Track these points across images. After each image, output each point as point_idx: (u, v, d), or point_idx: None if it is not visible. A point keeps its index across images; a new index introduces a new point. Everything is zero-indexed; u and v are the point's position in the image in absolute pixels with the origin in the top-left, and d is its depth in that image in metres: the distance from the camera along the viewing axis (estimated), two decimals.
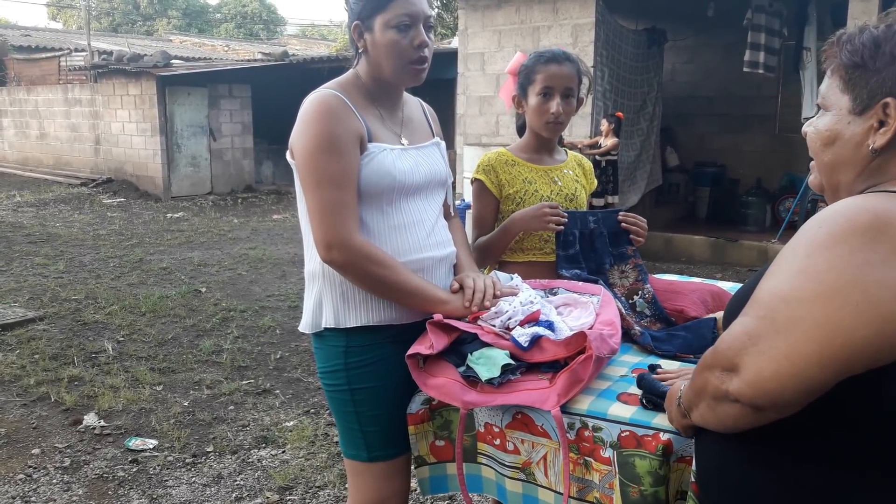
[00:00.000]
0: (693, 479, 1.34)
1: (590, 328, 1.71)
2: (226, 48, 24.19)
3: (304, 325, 1.82)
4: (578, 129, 7.64)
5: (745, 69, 7.98)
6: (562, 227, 2.09)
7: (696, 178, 10.08)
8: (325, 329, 1.76)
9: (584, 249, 2.14)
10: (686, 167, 10.21)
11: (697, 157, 10.19)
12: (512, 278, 1.93)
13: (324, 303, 1.76)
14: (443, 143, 1.97)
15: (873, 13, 6.48)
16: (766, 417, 1.04)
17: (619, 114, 7.75)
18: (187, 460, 3.31)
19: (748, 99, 9.64)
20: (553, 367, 1.63)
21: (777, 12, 7.93)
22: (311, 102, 1.71)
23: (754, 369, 1.00)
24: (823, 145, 1.16)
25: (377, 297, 1.74)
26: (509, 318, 1.75)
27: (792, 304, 0.99)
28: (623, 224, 2.15)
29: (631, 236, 2.16)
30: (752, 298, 1.06)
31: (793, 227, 8.03)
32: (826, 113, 1.17)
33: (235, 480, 3.14)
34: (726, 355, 1.05)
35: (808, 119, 8.14)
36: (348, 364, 1.75)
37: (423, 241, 1.79)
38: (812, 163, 1.23)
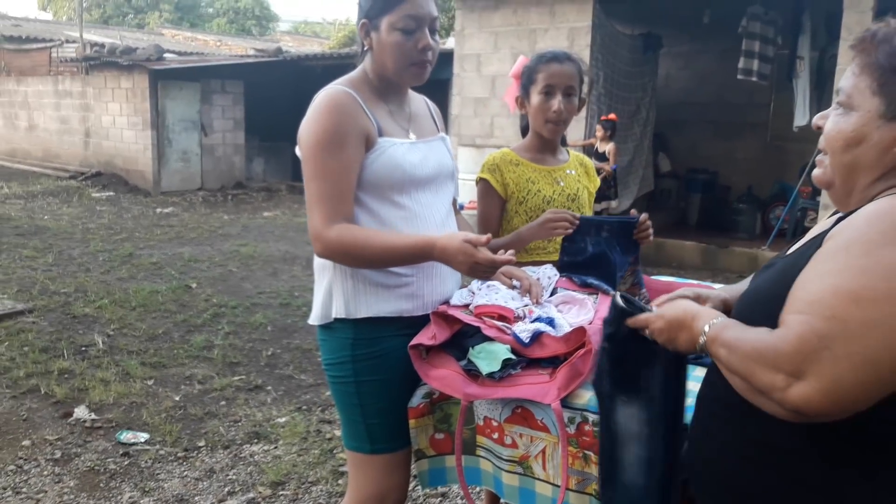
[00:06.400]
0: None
1: (589, 324, 1.73)
2: (218, 43, 24.07)
3: (314, 317, 1.83)
4: (574, 132, 7.65)
5: (738, 76, 8.03)
6: (570, 231, 2.06)
7: (688, 184, 10.13)
8: (335, 320, 1.77)
9: (594, 261, 2.08)
10: (678, 173, 10.26)
11: (690, 163, 10.24)
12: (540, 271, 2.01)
13: (334, 294, 1.78)
14: (448, 139, 2.00)
15: (867, 24, 6.54)
16: (804, 419, 0.99)
17: (613, 115, 7.77)
18: (179, 454, 3.29)
19: (741, 106, 9.71)
20: (553, 362, 1.65)
21: (772, 21, 7.99)
22: (321, 98, 1.74)
23: (831, 377, 0.94)
24: (846, 146, 1.11)
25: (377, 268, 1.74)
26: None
27: (863, 305, 0.94)
28: (637, 235, 2.11)
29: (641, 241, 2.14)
30: (804, 298, 1.00)
31: (782, 235, 8.09)
32: (850, 112, 1.11)
33: (227, 475, 3.13)
34: (794, 360, 0.97)
35: (799, 127, 8.05)
36: (355, 356, 1.76)
37: (433, 234, 1.80)
38: (820, 157, 1.19)
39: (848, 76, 1.14)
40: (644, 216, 2.12)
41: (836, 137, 1.13)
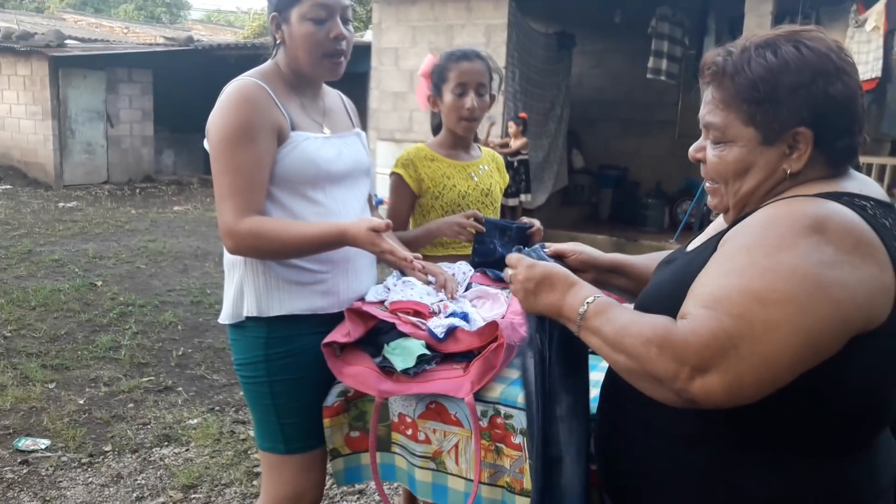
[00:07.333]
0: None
1: (502, 318, 1.76)
2: (125, 30, 23.04)
3: (225, 316, 1.78)
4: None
5: (648, 76, 8.32)
6: (464, 238, 2.10)
7: (600, 180, 10.43)
8: (247, 318, 1.73)
9: (503, 262, 2.13)
10: (591, 169, 10.55)
11: (602, 159, 10.54)
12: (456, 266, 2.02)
13: (245, 291, 1.73)
14: (363, 134, 1.98)
15: (766, 27, 6.88)
16: (695, 407, 1.03)
17: (523, 114, 7.94)
18: (83, 460, 3.15)
19: (650, 105, 10.04)
20: (467, 356, 1.67)
21: (679, 22, 8.31)
22: (231, 90, 1.69)
23: (733, 375, 0.98)
24: (737, 177, 1.15)
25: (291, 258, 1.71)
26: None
27: (767, 307, 0.98)
28: (534, 237, 2.17)
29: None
30: (711, 293, 1.03)
31: (689, 229, 8.43)
32: (731, 145, 1.14)
33: (136, 480, 3.02)
34: (702, 355, 0.99)
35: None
36: (269, 355, 1.73)
37: None
38: (710, 185, 1.22)
39: (712, 110, 1.15)
40: (532, 224, 2.16)
41: (724, 170, 1.16)
